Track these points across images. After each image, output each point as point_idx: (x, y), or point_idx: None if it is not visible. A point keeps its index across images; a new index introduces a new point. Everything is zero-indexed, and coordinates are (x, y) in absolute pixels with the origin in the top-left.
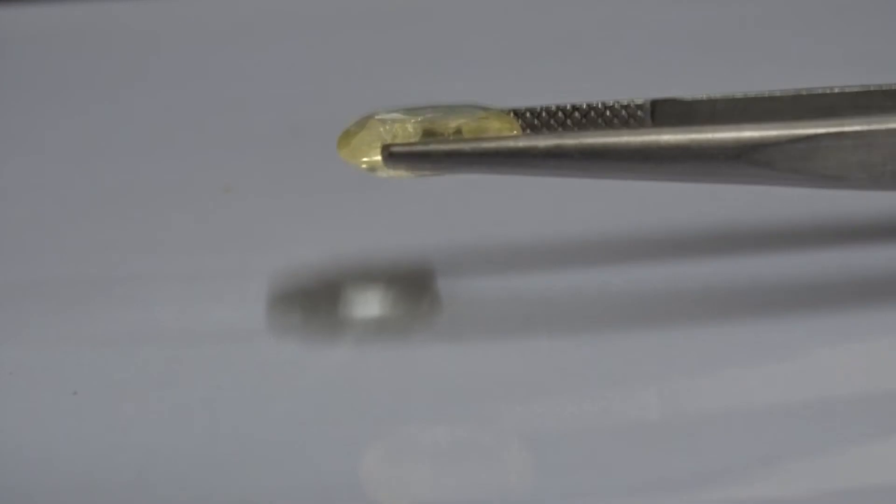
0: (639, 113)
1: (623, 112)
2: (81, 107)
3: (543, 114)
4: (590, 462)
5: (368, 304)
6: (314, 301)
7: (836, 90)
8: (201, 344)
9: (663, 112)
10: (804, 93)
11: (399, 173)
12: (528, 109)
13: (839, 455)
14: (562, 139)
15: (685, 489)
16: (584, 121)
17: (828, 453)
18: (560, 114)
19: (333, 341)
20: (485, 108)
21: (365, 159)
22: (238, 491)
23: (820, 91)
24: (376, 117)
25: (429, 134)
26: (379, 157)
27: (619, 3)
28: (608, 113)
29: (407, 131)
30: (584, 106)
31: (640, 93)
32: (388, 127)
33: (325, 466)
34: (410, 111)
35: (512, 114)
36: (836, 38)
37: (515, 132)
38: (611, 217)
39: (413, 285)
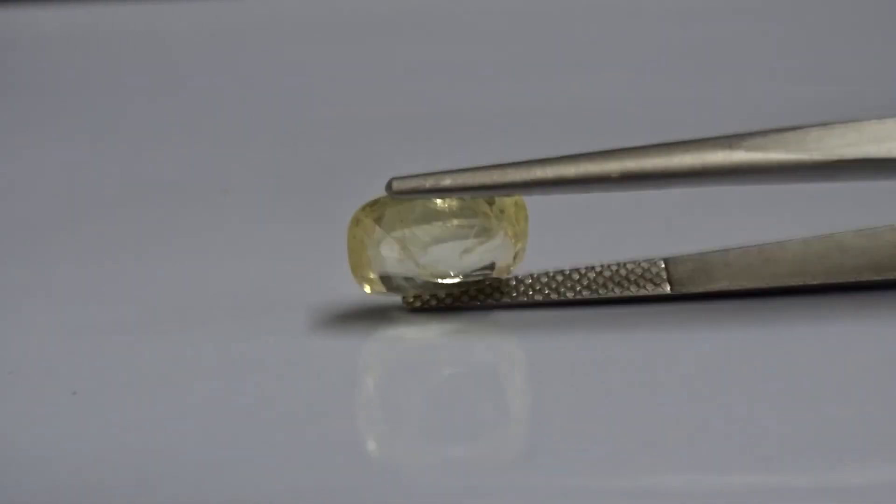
0: (653, 269)
1: (638, 269)
2: (82, 107)
3: (559, 277)
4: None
5: (368, 306)
6: (314, 301)
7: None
8: (201, 344)
9: (677, 268)
10: (811, 239)
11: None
12: (542, 274)
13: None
14: (542, 168)
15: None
16: (598, 279)
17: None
18: (575, 275)
19: (335, 341)
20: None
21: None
22: (238, 491)
23: (824, 235)
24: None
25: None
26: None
27: (621, 24)
28: (623, 271)
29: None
30: (599, 267)
31: (638, 100)
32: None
33: (325, 466)
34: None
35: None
36: (832, 55)
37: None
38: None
39: None
